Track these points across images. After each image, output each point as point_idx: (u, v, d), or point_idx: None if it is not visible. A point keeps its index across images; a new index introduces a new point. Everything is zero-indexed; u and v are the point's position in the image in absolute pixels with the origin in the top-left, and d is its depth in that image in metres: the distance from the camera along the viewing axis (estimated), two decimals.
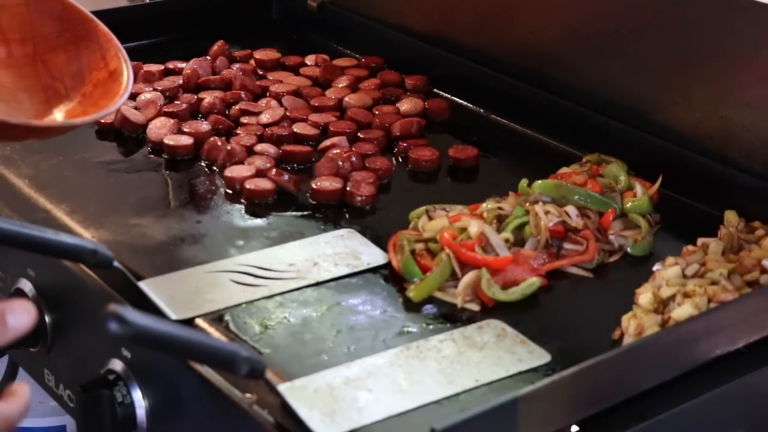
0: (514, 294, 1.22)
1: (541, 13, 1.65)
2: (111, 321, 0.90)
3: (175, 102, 1.64)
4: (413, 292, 1.22)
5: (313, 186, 1.43)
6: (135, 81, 1.70)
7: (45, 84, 1.28)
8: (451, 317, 1.19)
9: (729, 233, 1.28)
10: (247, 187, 1.42)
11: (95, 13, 1.54)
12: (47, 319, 1.27)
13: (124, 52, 1.27)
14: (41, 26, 1.29)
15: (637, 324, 1.14)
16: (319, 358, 1.11)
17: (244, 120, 1.61)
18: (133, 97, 1.65)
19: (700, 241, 1.27)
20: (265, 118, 1.60)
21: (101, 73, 1.27)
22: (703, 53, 1.44)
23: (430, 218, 1.33)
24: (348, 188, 1.42)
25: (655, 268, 1.24)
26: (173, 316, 1.16)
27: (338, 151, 1.50)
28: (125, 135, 1.58)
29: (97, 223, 1.33)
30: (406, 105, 1.66)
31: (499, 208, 1.32)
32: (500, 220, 1.31)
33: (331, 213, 1.40)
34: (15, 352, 1.39)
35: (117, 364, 1.15)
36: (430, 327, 1.17)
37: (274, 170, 1.45)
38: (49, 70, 1.29)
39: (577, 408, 1.02)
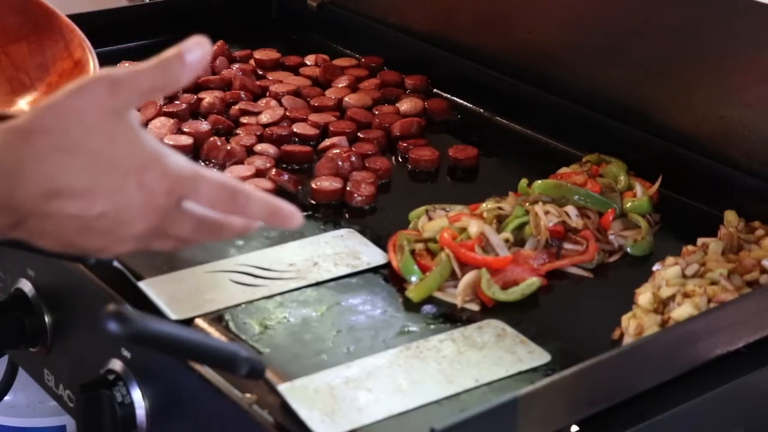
0: (514, 294, 1.22)
1: (541, 13, 1.65)
2: (111, 321, 0.90)
3: (175, 102, 1.64)
4: (413, 292, 1.22)
5: (313, 186, 1.42)
6: None
7: (9, 75, 1.28)
8: (451, 317, 1.19)
9: (729, 233, 1.28)
10: None
11: (95, 13, 1.54)
12: (47, 319, 1.27)
13: (87, 42, 1.27)
14: (1, 19, 1.30)
15: (637, 324, 1.14)
16: (319, 358, 1.11)
17: (244, 120, 1.61)
18: None
19: (700, 241, 1.27)
20: (264, 118, 1.60)
21: (66, 63, 1.27)
22: (703, 53, 1.44)
23: (430, 218, 1.33)
24: (348, 188, 1.42)
25: (655, 268, 1.24)
26: (173, 316, 1.16)
27: (338, 151, 1.50)
28: None
29: None
30: (406, 105, 1.66)
31: (499, 208, 1.32)
32: (500, 220, 1.31)
33: (331, 213, 1.40)
34: (15, 352, 1.38)
35: (117, 364, 1.15)
36: (430, 327, 1.17)
37: (274, 170, 1.45)
38: (12, 61, 1.29)
39: (577, 408, 1.02)
